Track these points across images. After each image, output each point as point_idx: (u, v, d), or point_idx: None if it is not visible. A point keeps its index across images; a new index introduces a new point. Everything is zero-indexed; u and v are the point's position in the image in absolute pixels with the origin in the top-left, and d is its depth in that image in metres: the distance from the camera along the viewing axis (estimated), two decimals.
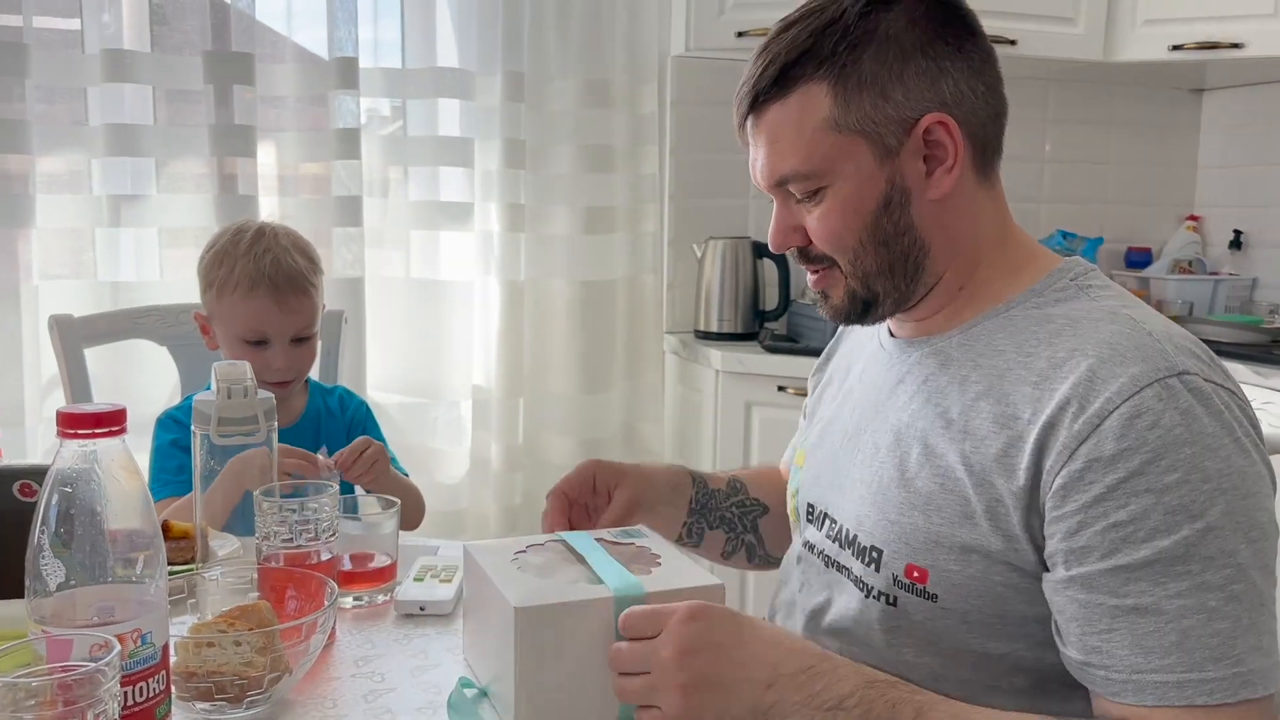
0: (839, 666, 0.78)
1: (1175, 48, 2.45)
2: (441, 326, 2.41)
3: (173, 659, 0.84)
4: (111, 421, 0.76)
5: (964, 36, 0.92)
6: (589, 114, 2.43)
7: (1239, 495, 0.78)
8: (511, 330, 2.43)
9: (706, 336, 2.52)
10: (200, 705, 0.85)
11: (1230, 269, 2.84)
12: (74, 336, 1.77)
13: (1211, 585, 0.76)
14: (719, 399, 2.33)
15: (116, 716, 0.66)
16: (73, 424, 0.75)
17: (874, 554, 0.93)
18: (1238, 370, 2.12)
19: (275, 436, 1.08)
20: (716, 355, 2.32)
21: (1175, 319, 2.53)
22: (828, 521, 1.01)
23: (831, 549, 0.99)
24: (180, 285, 2.19)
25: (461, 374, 2.43)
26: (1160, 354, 0.81)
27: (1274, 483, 0.84)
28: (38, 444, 2.13)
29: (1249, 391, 1.12)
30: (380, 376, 2.37)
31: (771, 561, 1.21)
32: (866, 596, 0.93)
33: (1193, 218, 2.96)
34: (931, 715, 0.76)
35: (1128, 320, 0.85)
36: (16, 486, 1.02)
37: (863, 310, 0.96)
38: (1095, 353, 0.82)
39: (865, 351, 1.07)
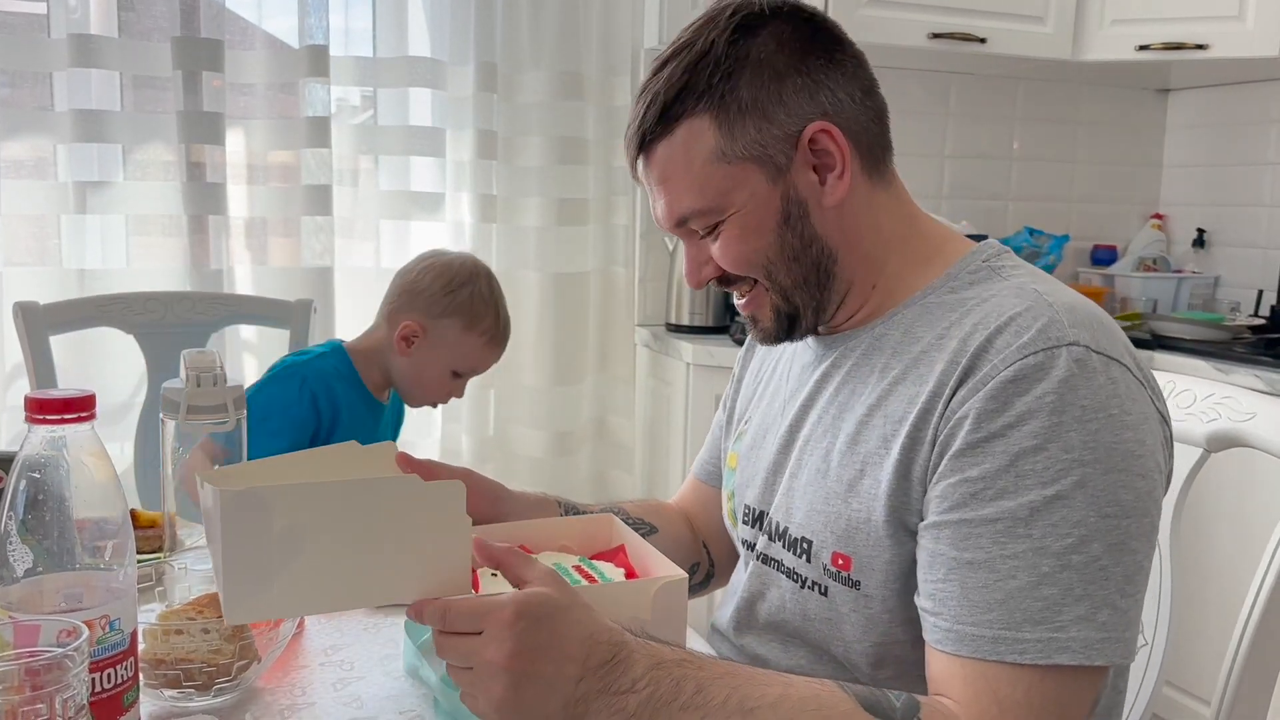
0: (634, 652, 0.77)
1: (1142, 48, 2.48)
2: None
3: (141, 646, 0.83)
4: (80, 407, 0.75)
5: (833, 47, 0.93)
6: (562, 106, 2.43)
7: (1101, 470, 0.79)
8: None
9: (678, 329, 2.53)
10: (168, 692, 0.85)
11: (1194, 267, 2.89)
12: (39, 324, 1.75)
13: (1048, 551, 0.78)
14: (690, 391, 2.34)
15: (85, 702, 0.66)
16: (41, 409, 0.74)
17: (804, 545, 0.95)
18: (1200, 367, 2.16)
19: (245, 425, 1.08)
20: (688, 348, 2.33)
21: (1139, 316, 2.58)
22: (765, 519, 1.02)
23: (765, 545, 1.01)
24: (147, 274, 2.18)
25: None
26: (1054, 325, 0.83)
27: (1162, 465, 0.85)
28: (2, 432, 2.10)
29: (1209, 387, 1.14)
30: None
31: None
32: (801, 588, 0.96)
33: (1158, 216, 3.01)
34: (712, 690, 0.76)
35: (1032, 294, 0.87)
36: None
37: (789, 326, 0.97)
38: (995, 324, 0.85)
39: (789, 351, 1.09)
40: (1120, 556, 0.79)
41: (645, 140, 0.92)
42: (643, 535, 1.15)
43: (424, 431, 2.44)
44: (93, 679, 0.74)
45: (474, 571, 0.96)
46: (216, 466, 1.03)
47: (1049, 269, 2.76)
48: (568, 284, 2.49)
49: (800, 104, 0.90)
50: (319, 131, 2.24)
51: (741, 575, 1.07)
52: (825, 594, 0.93)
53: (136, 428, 1.84)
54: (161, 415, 1.05)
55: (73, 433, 0.75)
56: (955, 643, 0.80)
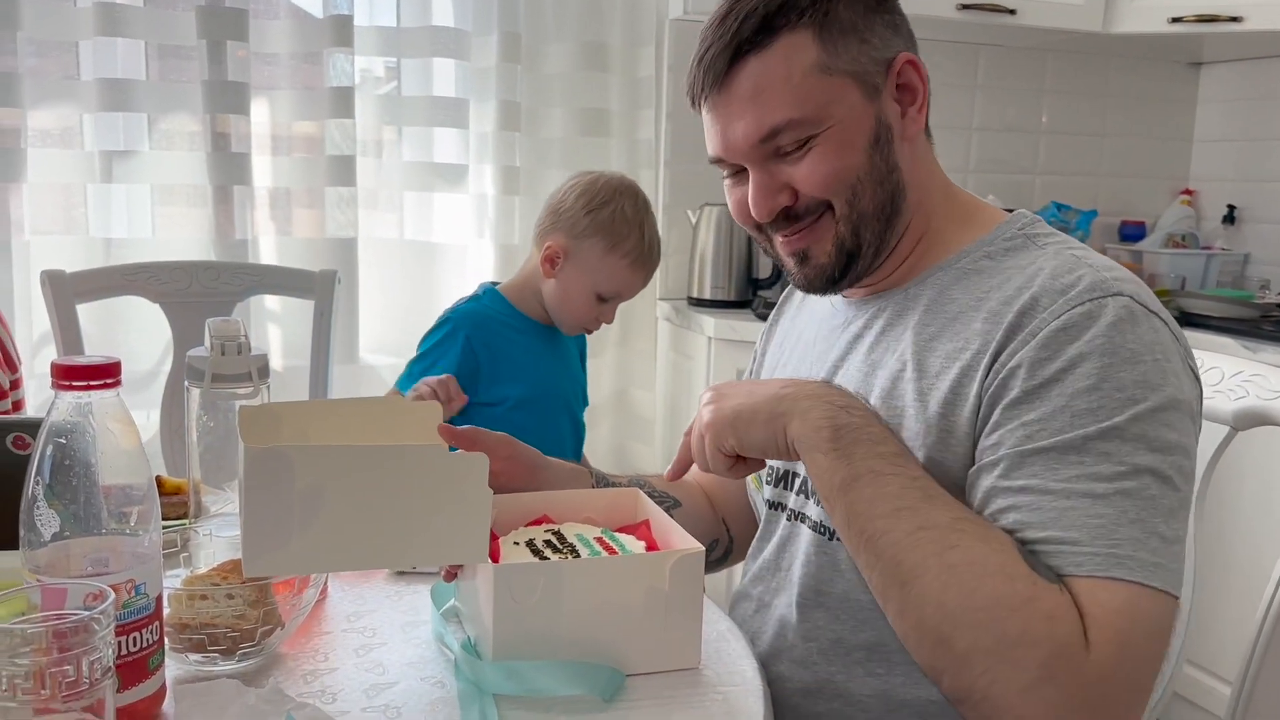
0: (852, 394, 0.91)
1: (1174, 20, 2.44)
2: (434, 289, 2.40)
3: (166, 611, 0.84)
4: (106, 374, 0.76)
5: (896, 5, 0.97)
6: (585, 77, 2.42)
7: (1151, 407, 0.81)
8: None
9: (700, 304, 2.52)
10: (193, 657, 0.86)
11: (1223, 244, 2.85)
12: (66, 292, 1.77)
13: (1101, 476, 0.79)
14: (711, 366, 2.34)
15: (111, 665, 0.66)
16: (68, 376, 0.75)
17: None
18: (1227, 344, 2.14)
19: (268, 393, 1.08)
20: (709, 322, 2.32)
21: (1167, 293, 2.55)
22: (795, 479, 1.04)
23: (795, 501, 1.02)
24: (173, 243, 2.19)
25: None
26: (1101, 280, 0.85)
27: (1196, 419, 0.86)
28: (30, 399, 2.12)
29: (1237, 364, 1.13)
30: (373, 338, 2.37)
31: None
32: (830, 540, 0.96)
33: (1187, 192, 2.96)
34: (911, 462, 0.85)
35: (1071, 258, 0.89)
36: (10, 439, 1.02)
37: (845, 266, 0.96)
38: (1040, 284, 0.87)
39: (817, 316, 1.10)
40: (1166, 490, 0.80)
41: (739, 53, 0.92)
42: (666, 509, 1.15)
43: None
44: (118, 642, 0.75)
45: (496, 540, 0.97)
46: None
47: None
48: None
49: (889, 37, 0.94)
50: (343, 102, 2.23)
51: (768, 541, 1.08)
52: None
53: (162, 395, 1.85)
54: (186, 383, 1.06)
55: (99, 399, 0.76)
56: None
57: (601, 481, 1.14)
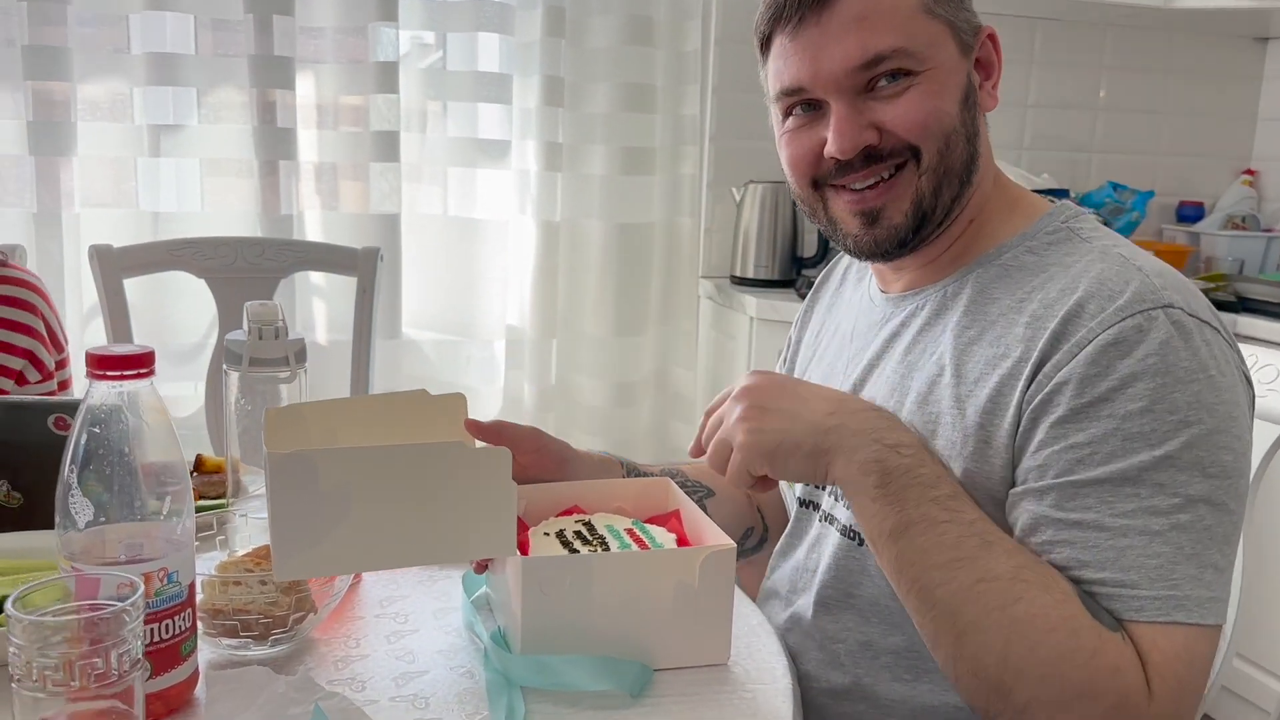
0: (899, 424, 0.85)
1: None
2: (476, 265, 2.40)
3: (200, 596, 0.85)
4: (140, 364, 0.76)
5: None
6: (630, 51, 2.39)
7: (1204, 431, 0.78)
8: (546, 271, 2.42)
9: (742, 282, 2.50)
10: (226, 641, 0.87)
11: None
12: (113, 267, 1.79)
13: (1158, 510, 0.77)
14: (753, 346, 2.32)
15: (140, 655, 0.67)
16: (103, 365, 0.75)
17: None
18: None
19: (306, 377, 1.09)
20: (751, 302, 2.30)
21: (1223, 277, 2.48)
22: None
23: (827, 502, 1.01)
24: (219, 218, 2.21)
25: (496, 313, 2.43)
26: (1148, 288, 0.82)
27: (1249, 427, 0.84)
28: (79, 369, 2.16)
29: None
30: (415, 313, 2.38)
31: None
32: (860, 545, 0.95)
33: (1249, 172, 2.88)
34: (966, 504, 0.81)
35: (1118, 258, 0.85)
36: (52, 420, 1.04)
37: (917, 226, 0.92)
38: (1085, 288, 0.83)
39: (855, 308, 1.07)
40: (1221, 517, 0.78)
41: None
42: (700, 499, 1.14)
43: (487, 378, 2.45)
44: (151, 629, 0.76)
45: (526, 531, 0.97)
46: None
47: (1131, 226, 2.66)
48: (632, 234, 2.47)
49: (972, 9, 0.93)
50: (388, 76, 2.23)
51: (800, 539, 1.06)
52: None
53: (208, 370, 1.88)
54: (225, 366, 1.07)
55: (133, 388, 0.76)
56: None
57: (632, 472, 1.12)
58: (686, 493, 1.14)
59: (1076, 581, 0.78)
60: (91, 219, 2.14)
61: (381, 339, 2.30)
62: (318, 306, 2.32)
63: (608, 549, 0.94)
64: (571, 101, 2.38)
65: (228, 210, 2.23)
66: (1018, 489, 0.83)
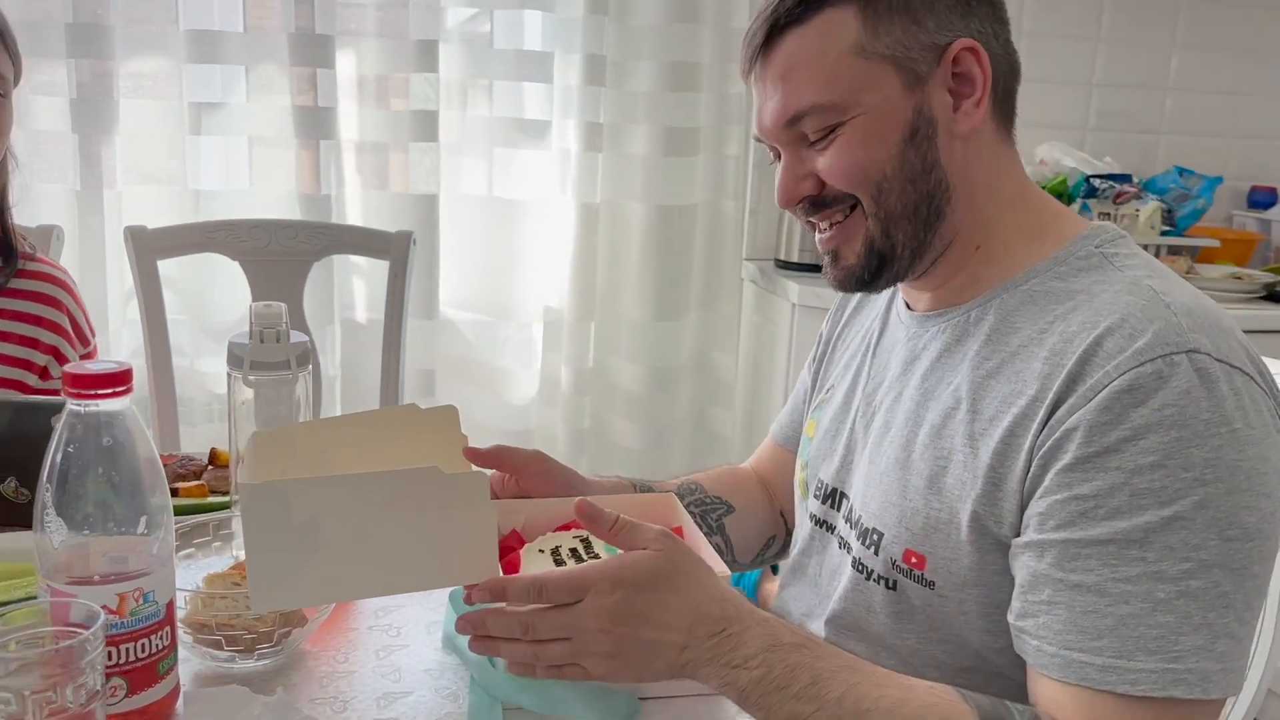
0: (748, 629, 0.75)
1: None
2: (515, 246, 2.38)
3: (184, 611, 0.85)
4: (117, 382, 0.75)
5: None
6: (675, 28, 2.33)
7: (1223, 490, 0.72)
8: (585, 253, 2.39)
9: (786, 266, 2.44)
10: (213, 654, 0.87)
11: None
12: (147, 248, 1.80)
13: (1165, 576, 0.71)
14: (794, 332, 2.27)
15: (98, 687, 0.66)
16: (79, 384, 0.75)
17: (874, 536, 0.90)
18: None
19: (309, 380, 1.08)
20: (794, 288, 2.25)
21: None
22: (843, 501, 0.98)
23: (843, 528, 0.97)
24: (261, 196, 2.22)
25: (534, 295, 2.41)
26: (1173, 328, 0.75)
27: None
28: (122, 346, 2.20)
29: None
30: (453, 294, 2.37)
31: (741, 566, 1.17)
32: (867, 579, 0.91)
33: None
34: (828, 684, 0.73)
35: (1148, 291, 0.79)
36: (55, 419, 1.04)
37: (878, 266, 0.89)
38: (1106, 324, 0.77)
39: (881, 322, 1.02)
40: (1241, 582, 0.72)
41: (777, 26, 0.86)
42: (719, 516, 1.11)
43: (525, 362, 2.44)
44: (126, 648, 0.76)
45: (518, 548, 0.95)
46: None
47: (1197, 214, 2.55)
48: (674, 216, 2.42)
49: (951, 19, 0.85)
50: (428, 55, 2.21)
51: (802, 542, 1.03)
52: (894, 587, 0.89)
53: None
54: (228, 369, 1.06)
55: (111, 407, 0.75)
56: (1062, 669, 0.74)
57: (644, 490, 1.09)
58: (704, 510, 1.11)
59: (1072, 649, 0.73)
60: (133, 197, 2.16)
61: (418, 319, 2.30)
62: (357, 285, 2.33)
63: None
64: (614, 80, 2.34)
65: (268, 189, 2.23)
66: (1020, 539, 0.79)
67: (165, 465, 0.90)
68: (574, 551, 0.94)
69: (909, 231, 0.87)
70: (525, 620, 0.76)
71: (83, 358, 1.50)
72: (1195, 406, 0.72)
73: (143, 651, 0.77)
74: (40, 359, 1.43)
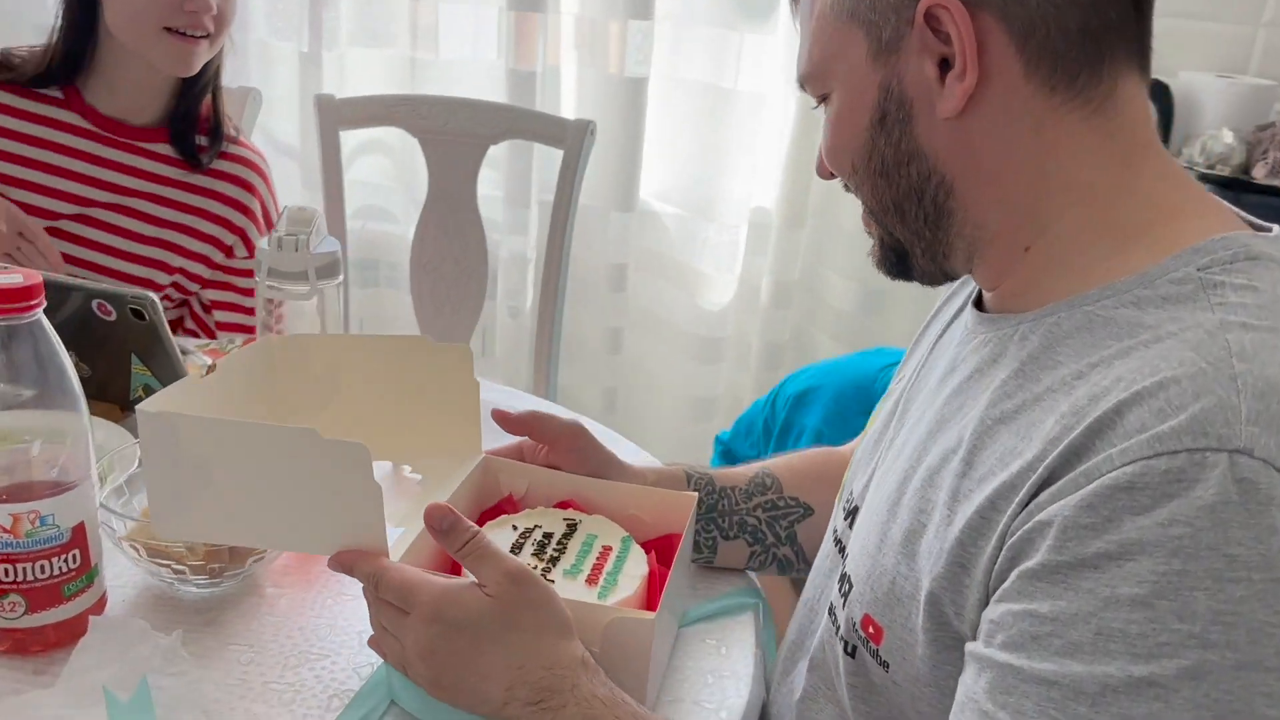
0: (567, 705, 0.65)
1: None
2: (727, 139, 2.19)
3: (130, 528, 0.83)
4: (22, 297, 0.72)
5: None
6: None
7: (1232, 663, 0.49)
8: (804, 152, 2.16)
9: None
10: (159, 574, 0.85)
11: None
12: (331, 118, 1.81)
13: None
14: None
15: None
16: None
17: (847, 584, 0.73)
18: None
19: (339, 292, 1.02)
20: None
21: None
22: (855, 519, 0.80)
23: (848, 563, 0.79)
24: (470, 70, 2.18)
25: (742, 194, 2.23)
26: (1224, 411, 0.52)
27: None
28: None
29: None
30: (656, 185, 2.24)
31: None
32: (835, 632, 0.75)
33: None
34: None
35: (1221, 349, 0.54)
36: (95, 305, 1.05)
37: (896, 261, 0.72)
38: (1143, 385, 0.55)
39: (958, 311, 0.81)
40: None
41: None
42: (791, 523, 0.96)
43: (724, 264, 2.28)
44: (24, 568, 0.75)
45: (510, 511, 0.87)
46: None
47: None
48: None
49: None
50: None
51: (820, 577, 0.86)
52: (852, 654, 0.72)
53: (415, 229, 1.87)
54: (256, 275, 1.02)
55: (12, 323, 0.72)
56: None
57: (704, 485, 0.94)
58: (773, 517, 0.95)
59: None
60: (354, 60, 2.19)
61: (617, 211, 2.20)
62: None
63: (552, 564, 0.80)
64: None
65: (476, 63, 2.19)
66: (970, 645, 0.60)
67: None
68: (547, 536, 0.83)
69: (908, 229, 0.69)
70: (370, 600, 0.71)
71: None
72: (1219, 533, 0.49)
73: (42, 572, 0.75)
74: (229, 239, 1.50)
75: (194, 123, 1.47)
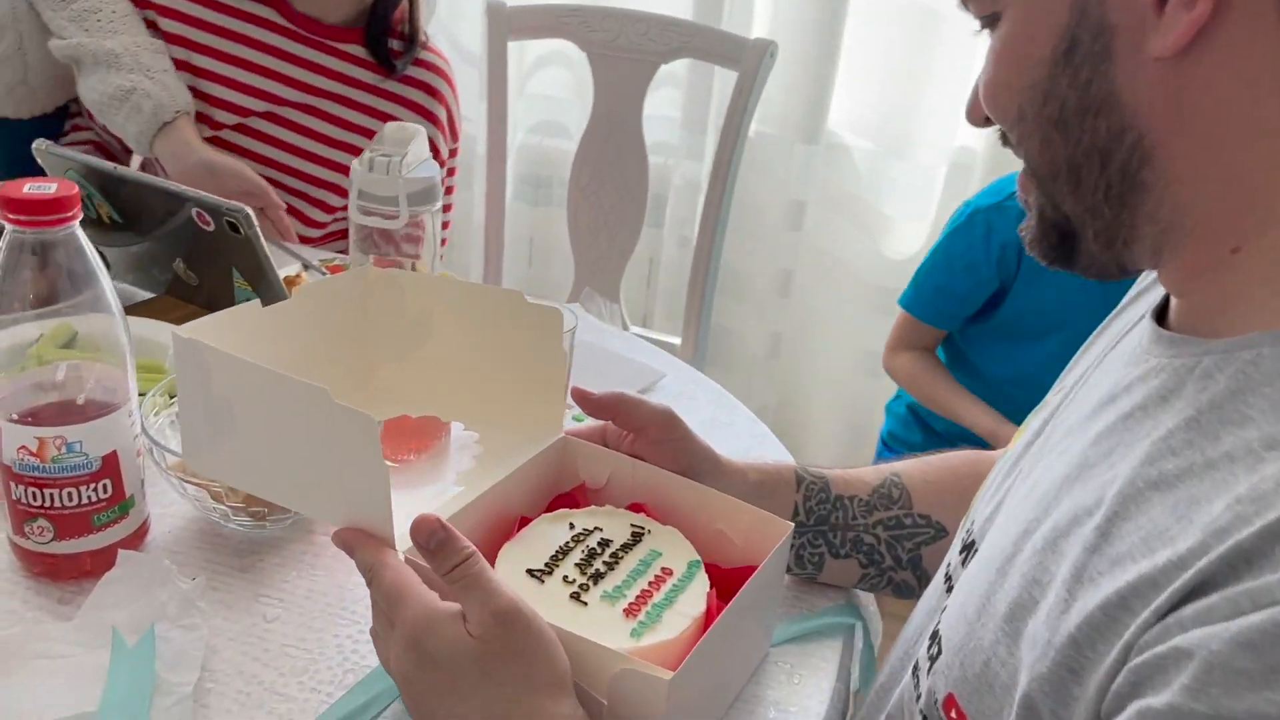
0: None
1: None
2: (931, 68, 1.97)
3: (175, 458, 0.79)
4: (58, 208, 0.67)
5: None
6: None
7: None
8: None
9: None
10: (206, 506, 0.81)
11: None
12: (501, 26, 1.73)
13: None
14: None
15: None
16: (18, 209, 0.67)
17: (937, 645, 0.59)
18: None
19: (434, 219, 0.93)
20: None
21: None
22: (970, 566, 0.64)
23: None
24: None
25: (943, 130, 2.00)
26: None
27: None
28: (519, 123, 2.21)
29: None
30: (846, 115, 2.05)
31: None
32: (915, 693, 0.61)
33: None
34: None
35: None
36: (194, 212, 1.01)
37: (1059, 241, 0.55)
38: None
39: (1138, 319, 0.62)
40: None
41: None
42: (917, 545, 0.80)
43: (917, 209, 2.07)
44: (51, 494, 0.71)
45: (578, 505, 0.76)
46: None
47: None
48: None
49: None
50: None
51: (920, 615, 0.72)
52: None
53: (577, 147, 1.78)
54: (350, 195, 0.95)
55: (49, 237, 0.68)
56: None
57: (815, 490, 0.80)
58: (895, 538, 0.80)
59: None
60: None
61: (800, 143, 2.03)
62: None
63: (594, 582, 0.68)
64: None
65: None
66: None
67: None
68: (603, 544, 0.71)
69: (1082, 203, 0.52)
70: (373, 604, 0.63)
71: (450, 153, 1.54)
72: None
73: (70, 500, 0.72)
74: None
75: (389, 25, 1.43)
